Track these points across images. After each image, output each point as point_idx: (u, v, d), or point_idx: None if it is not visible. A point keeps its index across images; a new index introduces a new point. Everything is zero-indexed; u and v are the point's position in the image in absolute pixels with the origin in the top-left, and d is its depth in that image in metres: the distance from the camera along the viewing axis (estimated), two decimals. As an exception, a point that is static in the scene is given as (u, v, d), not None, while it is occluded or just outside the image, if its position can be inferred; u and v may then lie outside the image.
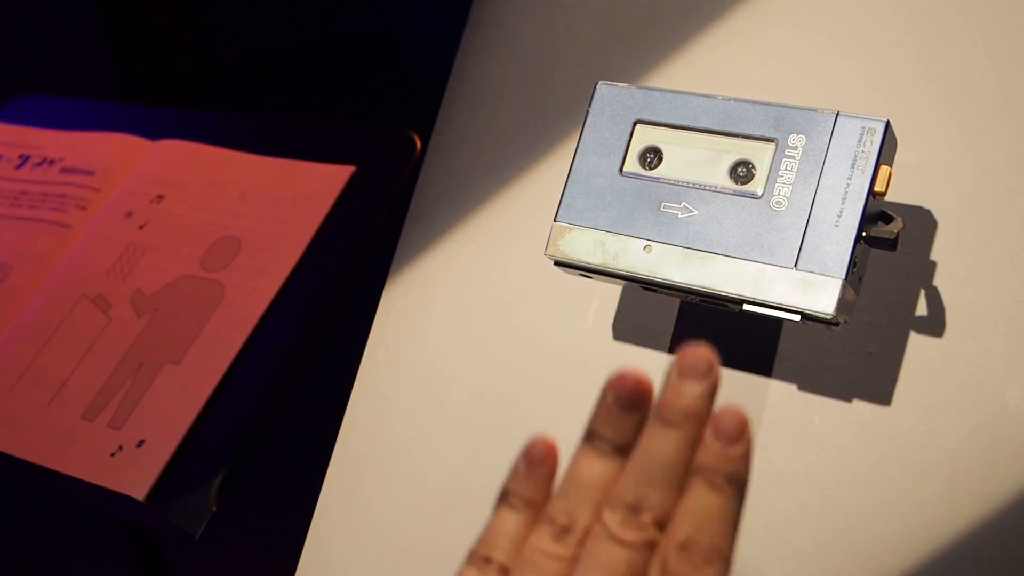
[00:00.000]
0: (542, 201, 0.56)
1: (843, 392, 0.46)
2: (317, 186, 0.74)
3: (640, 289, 0.46)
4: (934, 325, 0.45)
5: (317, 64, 1.37)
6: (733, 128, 0.44)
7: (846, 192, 0.41)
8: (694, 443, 0.32)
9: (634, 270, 0.44)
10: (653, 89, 0.46)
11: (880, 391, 0.45)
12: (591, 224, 0.45)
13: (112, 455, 0.64)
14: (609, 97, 0.47)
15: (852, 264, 0.40)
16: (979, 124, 0.47)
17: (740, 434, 0.32)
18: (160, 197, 0.78)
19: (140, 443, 0.63)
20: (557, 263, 0.46)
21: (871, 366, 0.46)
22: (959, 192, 0.47)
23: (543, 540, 0.33)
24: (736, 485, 0.32)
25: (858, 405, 0.46)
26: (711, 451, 0.32)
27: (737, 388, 0.48)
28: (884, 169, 0.41)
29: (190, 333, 0.69)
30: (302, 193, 0.75)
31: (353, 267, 0.69)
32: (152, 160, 0.82)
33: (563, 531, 0.33)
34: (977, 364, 0.44)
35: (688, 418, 0.32)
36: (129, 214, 0.78)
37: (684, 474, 0.32)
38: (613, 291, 0.52)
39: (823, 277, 0.40)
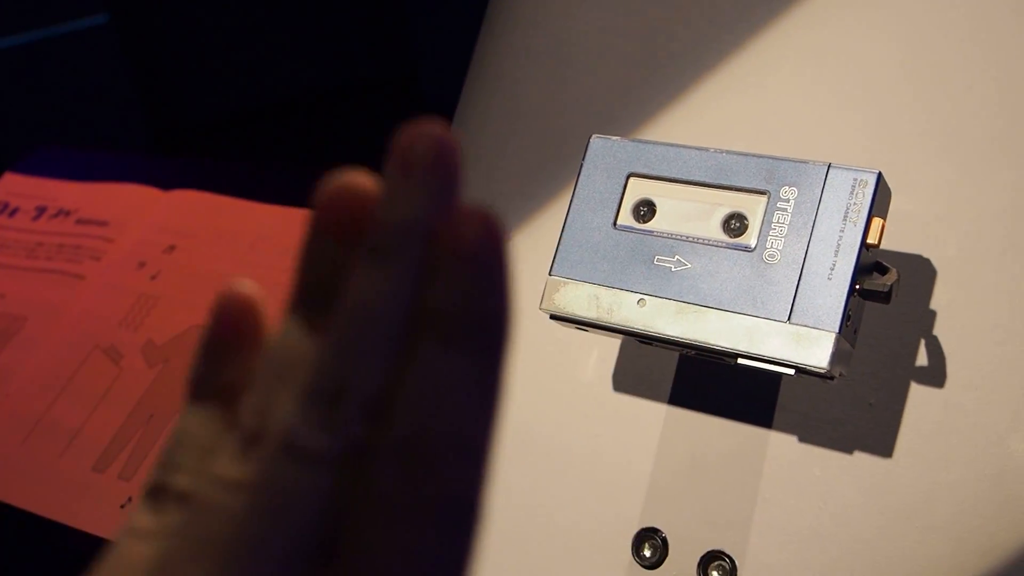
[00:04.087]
0: (539, 253, 0.56)
1: (844, 444, 0.46)
2: (325, 234, 0.75)
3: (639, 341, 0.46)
4: (935, 375, 0.45)
5: (336, 109, 1.39)
6: (726, 181, 0.44)
7: (839, 245, 0.41)
8: (419, 281, 0.20)
9: (628, 324, 0.43)
10: (646, 142, 0.46)
11: (882, 443, 0.45)
12: (585, 278, 0.45)
13: (122, 507, 0.64)
14: (603, 150, 0.47)
15: (846, 317, 0.40)
16: (976, 171, 0.47)
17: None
18: (172, 247, 0.79)
19: (149, 494, 0.64)
20: (553, 317, 0.46)
21: (872, 417, 0.45)
22: (958, 240, 0.46)
23: (222, 459, 0.20)
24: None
25: (860, 457, 0.45)
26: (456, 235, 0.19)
27: (737, 440, 0.48)
28: (877, 221, 0.41)
29: (200, 383, 0.69)
30: (310, 242, 0.75)
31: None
32: (164, 210, 0.83)
33: (252, 440, 0.20)
34: (979, 414, 0.44)
35: (409, 241, 0.20)
36: (142, 264, 0.79)
37: (407, 333, 0.20)
38: (613, 343, 0.52)
39: (817, 331, 0.40)
